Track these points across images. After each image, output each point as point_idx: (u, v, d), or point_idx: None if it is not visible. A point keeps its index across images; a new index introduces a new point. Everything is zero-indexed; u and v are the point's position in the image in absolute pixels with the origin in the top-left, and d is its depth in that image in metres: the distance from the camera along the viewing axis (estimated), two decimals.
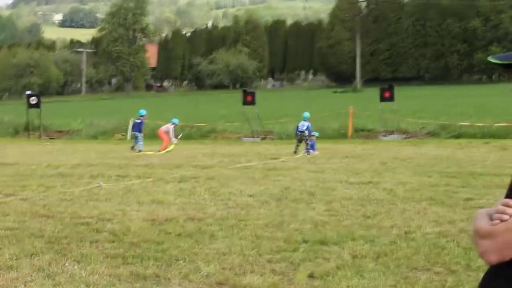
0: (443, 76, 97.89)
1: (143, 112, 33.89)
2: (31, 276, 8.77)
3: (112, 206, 14.29)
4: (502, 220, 2.49)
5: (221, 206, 14.28)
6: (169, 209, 13.93)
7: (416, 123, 39.13)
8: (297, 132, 29.11)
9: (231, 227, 11.84)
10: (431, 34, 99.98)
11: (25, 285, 8.36)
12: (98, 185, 17.67)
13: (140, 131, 33.02)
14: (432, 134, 37.23)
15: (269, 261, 9.48)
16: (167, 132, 32.04)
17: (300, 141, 28.67)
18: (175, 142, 32.07)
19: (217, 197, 15.50)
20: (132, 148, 32.24)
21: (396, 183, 17.40)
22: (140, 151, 31.94)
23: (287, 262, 9.40)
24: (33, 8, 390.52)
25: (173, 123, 32.72)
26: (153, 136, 39.87)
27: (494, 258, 2.42)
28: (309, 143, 28.44)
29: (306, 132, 28.44)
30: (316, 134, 30.06)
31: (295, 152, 28.31)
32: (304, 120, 29.10)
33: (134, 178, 19.51)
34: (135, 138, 33.17)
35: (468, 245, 10.05)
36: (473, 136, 34.97)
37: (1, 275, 8.82)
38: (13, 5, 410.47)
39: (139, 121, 33.32)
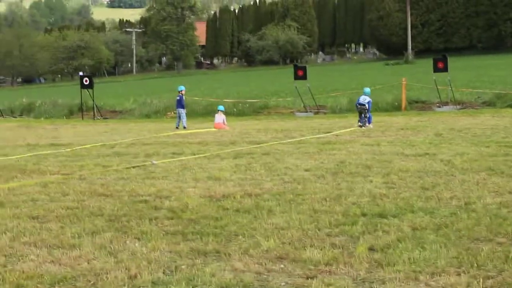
0: (496, 45, 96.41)
1: (181, 88, 34.12)
2: (94, 254, 8.87)
3: (169, 184, 14.37)
4: None
5: (277, 181, 14.27)
6: (225, 185, 13.96)
7: (471, 93, 38.71)
8: (357, 105, 28.92)
9: (289, 202, 11.84)
10: (483, 2, 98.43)
11: (88, 263, 8.45)
12: (151, 163, 17.79)
13: (182, 107, 33.19)
14: (488, 104, 36.81)
15: (328, 235, 9.46)
16: (222, 122, 31.86)
17: (361, 113, 28.46)
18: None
19: (273, 172, 15.48)
20: (177, 128, 32.32)
21: (453, 154, 17.23)
22: (184, 127, 32.08)
23: (347, 236, 9.37)
24: None
25: (220, 110, 32.59)
26: (204, 113, 40.09)
27: None
28: (367, 116, 28.28)
29: (367, 106, 28.24)
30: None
31: (359, 126, 28.00)
32: (365, 95, 28.92)
33: (189, 155, 19.60)
34: (178, 116, 33.30)
35: None
36: None
37: (65, 253, 8.93)
38: None
39: (178, 97, 33.52)
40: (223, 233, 9.74)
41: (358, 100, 29.02)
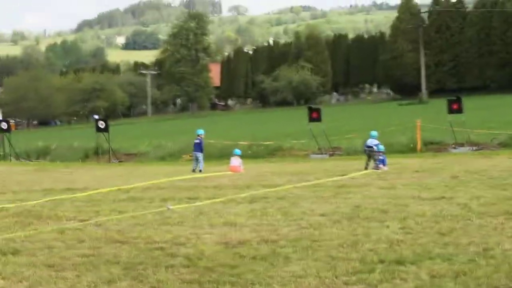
0: (510, 84, 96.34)
1: (200, 131, 33.99)
2: None
3: (185, 230, 14.34)
4: None
5: (294, 226, 14.22)
6: (241, 231, 13.92)
7: (486, 134, 38.61)
8: (365, 148, 29.07)
9: (305, 249, 11.78)
10: (496, 42, 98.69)
11: None
12: (166, 208, 17.77)
13: (201, 150, 33.15)
14: (504, 145, 36.69)
15: (345, 283, 9.42)
16: (240, 165, 31.84)
17: (369, 157, 28.57)
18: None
19: (289, 217, 15.43)
20: (193, 171, 32.29)
21: (470, 198, 17.15)
22: (200, 171, 32.04)
23: (364, 284, 9.32)
24: (97, 32, 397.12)
25: (236, 154, 32.59)
26: (219, 155, 40.07)
27: None
28: (380, 157, 28.29)
29: (375, 148, 28.33)
30: (382, 148, 29.68)
31: (365, 168, 28.17)
32: (372, 138, 29.02)
33: (205, 200, 19.57)
34: (195, 159, 33.25)
35: None
36: None
37: None
38: (77, 29, 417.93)
39: (198, 141, 33.46)
40: (239, 282, 9.70)
41: (366, 143, 29.18)
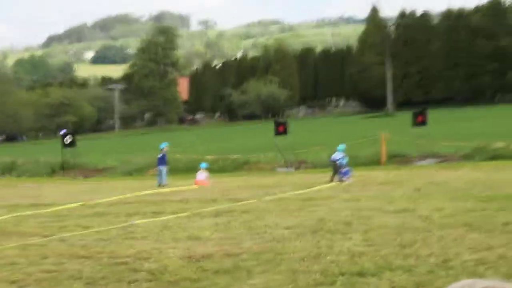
0: (475, 97, 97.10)
1: (163, 145, 34.20)
2: None
3: (148, 244, 14.34)
4: None
5: (257, 240, 14.27)
6: (205, 245, 13.95)
7: (450, 146, 38.89)
8: (331, 161, 29.25)
9: (268, 262, 11.84)
10: (462, 55, 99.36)
11: None
12: (130, 223, 17.75)
13: (164, 164, 33.22)
14: (467, 157, 36.96)
15: None
16: (206, 179, 31.95)
17: (335, 170, 28.74)
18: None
19: (253, 231, 15.48)
20: (159, 185, 32.32)
21: (432, 210, 17.30)
22: (162, 185, 32.08)
23: None
24: (65, 47, 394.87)
25: (203, 168, 32.76)
26: (186, 169, 40.03)
27: None
28: (343, 171, 28.51)
29: (339, 161, 28.52)
30: (346, 161, 29.80)
31: (331, 181, 28.33)
32: (338, 151, 29.21)
33: (170, 214, 19.57)
34: (159, 173, 33.29)
35: (509, 272, 9.98)
36: (508, 157, 34.71)
37: None
38: (46, 45, 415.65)
39: (161, 155, 33.57)
40: None
41: (332, 156, 29.43)
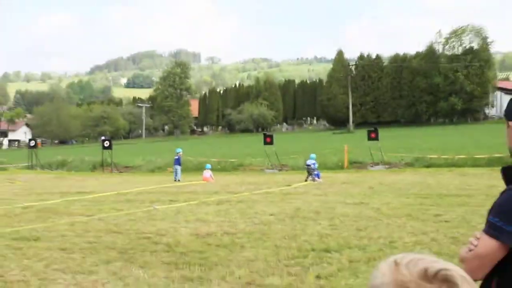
0: (415, 120, 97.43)
1: (179, 150, 34.63)
2: (107, 279, 8.79)
3: (166, 224, 14.31)
4: (470, 250, 2.53)
5: (249, 223, 14.26)
6: (209, 226, 13.92)
7: (396, 156, 38.88)
8: (306, 166, 29.34)
9: (257, 240, 11.82)
10: (405, 88, 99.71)
11: (103, 286, 8.38)
12: (153, 208, 17.71)
13: (179, 164, 33.43)
14: (409, 164, 36.96)
15: (286, 265, 9.44)
16: (210, 176, 31.96)
17: (308, 172, 28.81)
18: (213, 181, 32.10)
19: (246, 216, 15.46)
20: (175, 180, 32.42)
21: (382, 203, 17.31)
22: (179, 180, 32.16)
23: (300, 266, 9.35)
24: (105, 74, 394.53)
25: (207, 168, 32.76)
26: (195, 169, 39.95)
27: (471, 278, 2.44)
28: (315, 172, 28.56)
29: (312, 166, 28.64)
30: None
31: (306, 180, 28.36)
32: (311, 159, 29.31)
33: (182, 202, 19.53)
34: (175, 171, 33.46)
35: (438, 251, 9.97)
36: (440, 165, 34.75)
37: (85, 278, 8.85)
38: (90, 72, 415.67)
39: (176, 157, 33.80)
40: (206, 264, 9.69)
41: (306, 162, 29.57)
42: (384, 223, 13.51)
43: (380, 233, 12.13)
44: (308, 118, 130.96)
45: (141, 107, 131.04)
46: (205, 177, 31.58)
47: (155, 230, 13.32)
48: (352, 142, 50.89)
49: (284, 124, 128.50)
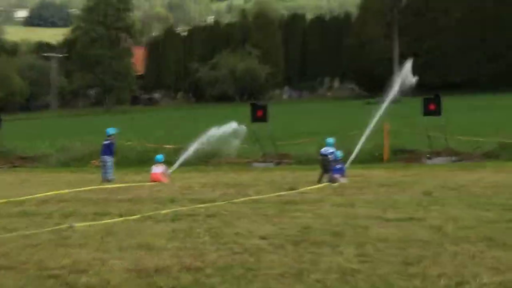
0: (502, 81, 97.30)
1: (111, 130, 33.91)
2: None
3: (87, 253, 14.23)
4: None
5: (224, 251, 14.21)
6: (159, 256, 13.86)
7: (470, 142, 38.92)
8: (320, 157, 29.20)
9: (237, 279, 11.78)
10: (488, 29, 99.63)
11: None
12: (69, 226, 17.64)
13: (110, 154, 33.03)
14: (489, 156, 37.03)
15: None
16: (163, 173, 31.94)
17: (324, 167, 28.69)
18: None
19: (220, 240, 15.41)
20: (105, 180, 32.26)
21: (445, 219, 17.29)
22: (109, 180, 32.01)
23: None
24: None
25: (159, 162, 32.71)
26: (139, 161, 39.90)
27: None
28: (337, 167, 28.50)
29: (330, 157, 28.47)
30: (339, 154, 29.79)
31: (319, 181, 28.30)
32: (328, 146, 29.18)
33: (116, 217, 19.46)
34: (103, 165, 33.14)
35: None
36: None
37: None
38: None
39: (107, 142, 33.32)
40: None
41: (321, 150, 29.35)
42: (449, 252, 13.49)
43: (442, 269, 12.10)
44: (327, 78, 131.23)
45: (50, 58, 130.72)
46: (155, 174, 31.60)
47: (69, 264, 13.24)
48: (398, 118, 51.01)
49: (287, 87, 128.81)
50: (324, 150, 29.10)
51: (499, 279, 11.32)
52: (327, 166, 28.64)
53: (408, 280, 11.43)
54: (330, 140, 29.87)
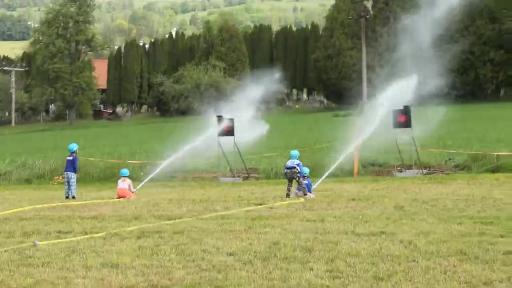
0: (473, 92, 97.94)
1: (74, 147, 33.84)
2: None
3: (51, 273, 14.19)
4: None
5: (192, 268, 14.23)
6: (125, 274, 13.86)
7: (441, 154, 39.08)
8: (286, 170, 29.24)
9: None
10: (457, 39, 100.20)
11: None
12: (33, 244, 17.57)
13: (74, 171, 32.98)
14: (462, 168, 37.22)
15: None
16: (129, 189, 31.90)
17: (291, 180, 28.75)
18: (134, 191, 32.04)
19: (187, 257, 15.43)
20: (67, 197, 32.16)
21: (416, 234, 17.39)
22: (73, 197, 31.93)
23: None
24: None
25: (124, 176, 32.66)
26: (102, 177, 39.77)
27: None
28: (303, 182, 28.59)
29: (298, 168, 28.56)
30: (307, 171, 29.95)
31: (287, 195, 28.35)
32: (293, 158, 29.28)
33: (80, 235, 19.41)
34: (67, 181, 33.02)
35: None
36: None
37: None
38: None
39: (71, 158, 33.26)
40: None
41: (287, 164, 29.39)
42: (421, 267, 13.59)
43: (414, 284, 12.20)
44: (294, 90, 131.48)
45: (8, 72, 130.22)
46: (121, 189, 31.54)
47: (31, 284, 13.22)
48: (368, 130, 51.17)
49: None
50: (290, 162, 29.18)
51: None
52: (295, 178, 28.71)
53: None
54: (294, 152, 29.99)
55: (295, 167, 28.68)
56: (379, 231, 18.10)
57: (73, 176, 32.94)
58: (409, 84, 36.67)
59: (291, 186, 28.77)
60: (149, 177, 35.74)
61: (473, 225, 18.62)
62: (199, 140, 37.43)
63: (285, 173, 29.54)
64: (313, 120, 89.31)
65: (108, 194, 32.01)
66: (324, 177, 32.77)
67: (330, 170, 33.85)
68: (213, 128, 39.18)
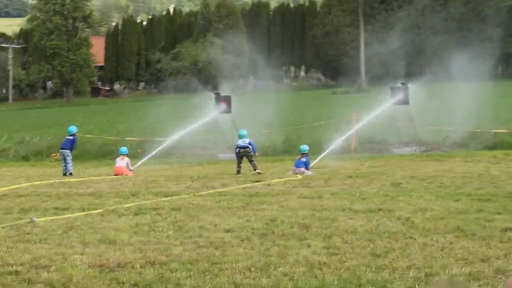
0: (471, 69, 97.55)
1: (74, 129, 34.01)
2: None
3: (49, 249, 14.19)
4: None
5: (189, 245, 14.23)
6: (122, 250, 13.86)
7: (439, 131, 39.01)
8: (239, 149, 29.84)
9: (202, 273, 11.81)
10: (455, 16, 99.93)
11: None
12: (30, 221, 17.56)
13: (71, 149, 33.04)
14: (460, 145, 37.19)
15: None
16: (127, 167, 31.90)
17: (241, 158, 29.45)
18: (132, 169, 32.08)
19: (184, 234, 15.43)
20: (64, 174, 32.20)
21: (414, 210, 17.40)
22: (70, 174, 31.98)
23: None
24: None
25: (123, 154, 32.65)
26: (100, 154, 39.72)
27: None
28: (303, 160, 28.78)
29: (250, 147, 29.32)
30: (306, 148, 30.04)
31: (238, 171, 28.95)
32: (243, 138, 29.95)
33: (77, 211, 19.40)
34: (63, 158, 33.08)
35: None
36: None
37: None
38: None
39: (71, 137, 33.35)
40: None
41: (238, 144, 29.90)
42: (418, 244, 13.60)
43: (411, 261, 12.20)
44: (292, 68, 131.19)
45: (5, 49, 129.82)
46: (119, 167, 31.55)
47: (29, 260, 13.21)
48: (366, 107, 51.03)
49: (251, 77, 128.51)
50: (241, 142, 29.97)
51: (469, 270, 11.43)
52: (248, 157, 29.43)
53: (376, 273, 11.51)
54: (243, 132, 30.78)
55: (248, 147, 29.56)
56: (377, 208, 18.11)
57: (69, 154, 32.97)
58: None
59: (241, 163, 29.43)
60: (149, 155, 35.76)
61: (471, 202, 18.63)
62: (205, 120, 37.60)
63: (237, 152, 30.05)
64: (311, 97, 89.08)
65: (106, 171, 31.99)
66: (325, 153, 32.89)
67: (332, 147, 33.94)
68: (216, 107, 39.21)
